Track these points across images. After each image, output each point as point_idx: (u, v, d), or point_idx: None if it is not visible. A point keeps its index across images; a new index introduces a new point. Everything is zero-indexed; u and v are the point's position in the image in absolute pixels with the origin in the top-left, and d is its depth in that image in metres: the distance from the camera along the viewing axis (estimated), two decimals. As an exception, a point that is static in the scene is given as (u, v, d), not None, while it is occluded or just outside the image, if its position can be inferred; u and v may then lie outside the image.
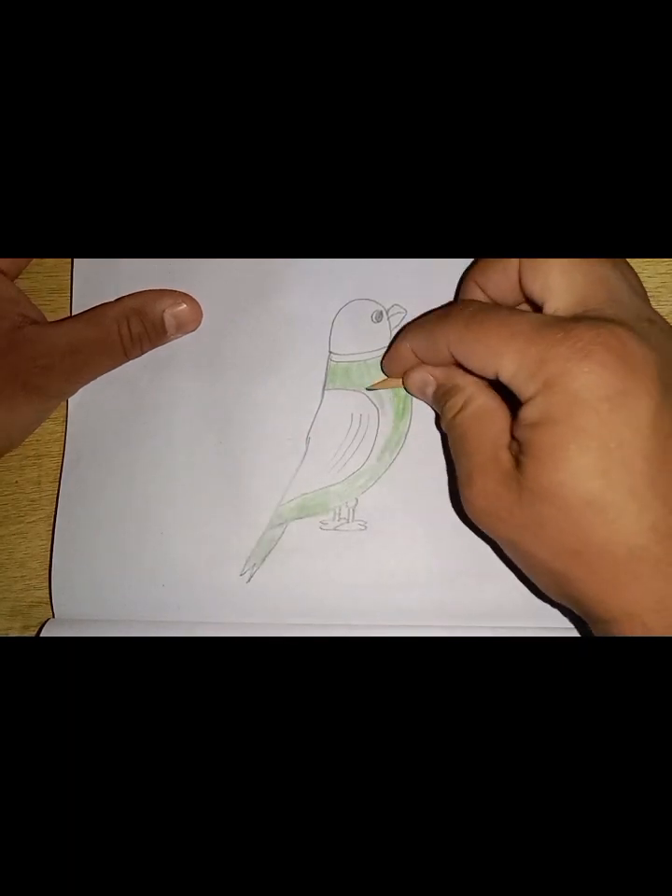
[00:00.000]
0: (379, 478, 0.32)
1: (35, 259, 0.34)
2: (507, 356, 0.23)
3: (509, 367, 0.23)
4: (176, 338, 0.33)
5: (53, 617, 0.33)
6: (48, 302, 0.34)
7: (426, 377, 0.28)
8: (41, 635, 0.32)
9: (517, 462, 0.23)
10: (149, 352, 0.33)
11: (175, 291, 0.33)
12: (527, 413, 0.23)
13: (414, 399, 0.32)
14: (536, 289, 0.24)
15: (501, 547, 0.26)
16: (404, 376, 0.29)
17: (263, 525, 0.32)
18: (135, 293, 0.32)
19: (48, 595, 0.33)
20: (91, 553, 0.33)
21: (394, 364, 0.30)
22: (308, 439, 0.32)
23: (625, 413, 0.21)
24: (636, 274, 0.26)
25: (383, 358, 0.31)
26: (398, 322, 0.32)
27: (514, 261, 0.25)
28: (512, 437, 0.24)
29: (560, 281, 0.23)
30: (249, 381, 0.33)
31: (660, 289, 0.33)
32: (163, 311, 0.32)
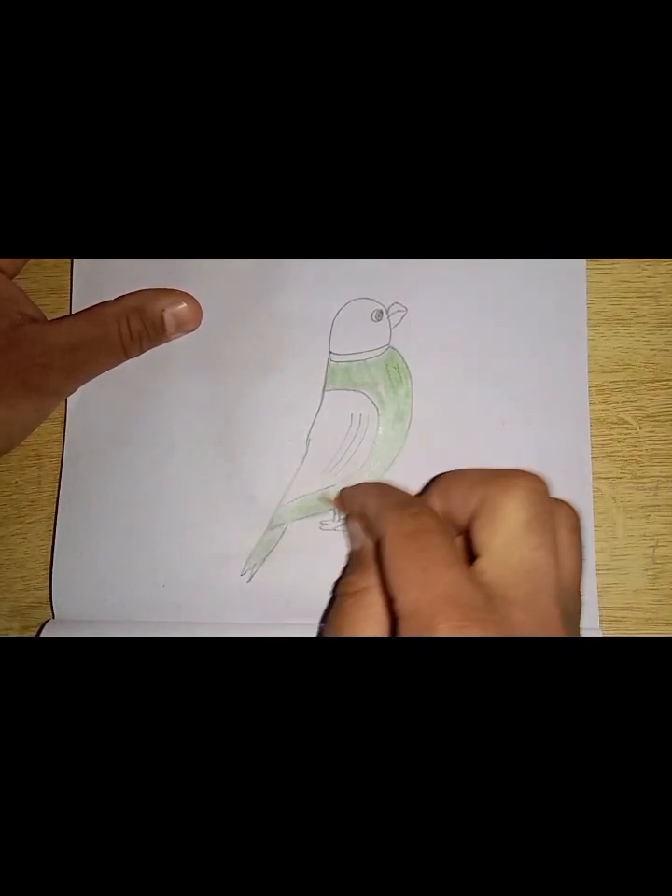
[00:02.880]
0: (379, 478, 0.32)
1: (34, 259, 0.34)
2: (408, 593, 0.22)
3: (404, 604, 0.23)
4: (176, 337, 0.33)
5: (53, 617, 0.33)
6: (47, 302, 0.34)
7: (357, 533, 0.28)
8: (41, 635, 0.32)
9: None
10: (149, 352, 0.33)
11: (175, 290, 0.33)
12: None
13: (414, 399, 0.32)
14: (478, 539, 0.24)
15: None
16: (347, 517, 0.30)
17: (263, 525, 0.32)
18: (135, 292, 0.32)
19: (48, 595, 0.33)
20: (91, 553, 0.33)
21: (344, 502, 0.31)
22: (308, 439, 0.32)
23: None
24: (579, 552, 0.25)
25: (343, 491, 0.31)
26: (397, 320, 0.32)
27: (476, 498, 0.25)
28: None
29: (499, 551, 0.23)
30: (249, 381, 0.33)
31: (660, 289, 0.33)
32: (163, 310, 0.32)
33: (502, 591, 0.23)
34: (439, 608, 0.22)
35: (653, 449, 0.32)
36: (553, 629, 0.23)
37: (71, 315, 0.34)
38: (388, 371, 0.32)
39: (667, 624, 0.31)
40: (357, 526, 0.28)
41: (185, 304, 0.32)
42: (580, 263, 0.32)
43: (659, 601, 0.31)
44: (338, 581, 0.31)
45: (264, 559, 0.32)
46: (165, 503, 0.33)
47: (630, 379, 0.32)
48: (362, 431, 0.32)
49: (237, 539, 0.32)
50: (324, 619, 0.31)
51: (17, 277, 0.33)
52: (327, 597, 0.31)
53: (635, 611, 0.31)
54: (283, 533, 0.32)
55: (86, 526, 0.33)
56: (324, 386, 0.33)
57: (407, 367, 0.32)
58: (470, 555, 0.24)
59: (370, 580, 0.26)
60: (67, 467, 0.33)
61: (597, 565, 0.31)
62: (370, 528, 0.27)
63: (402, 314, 0.33)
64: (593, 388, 0.32)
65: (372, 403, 0.32)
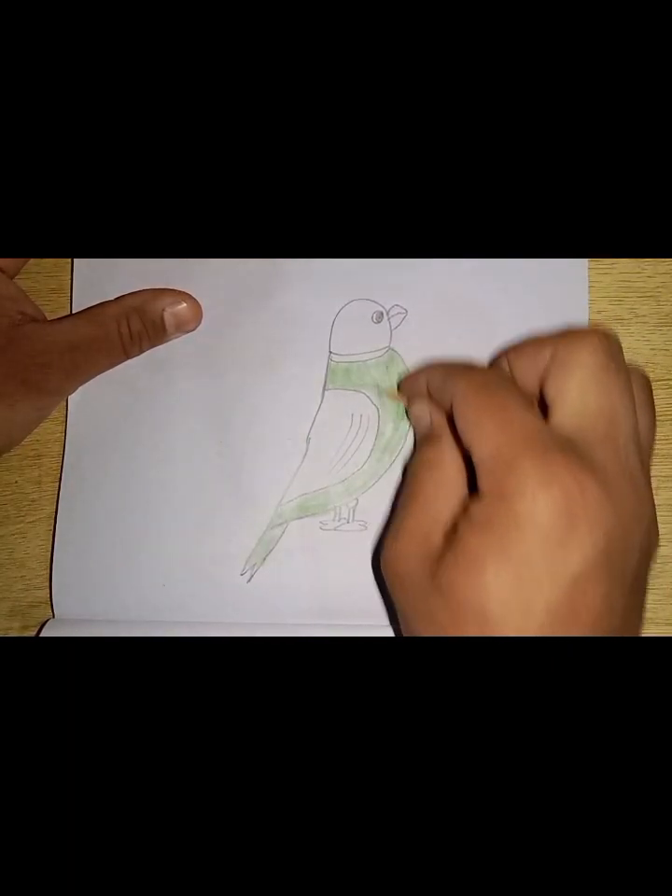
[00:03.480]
0: (379, 478, 0.32)
1: (34, 259, 0.34)
2: (486, 439, 0.23)
3: (482, 450, 0.23)
4: (176, 337, 0.33)
5: (53, 617, 0.33)
6: (47, 302, 0.34)
7: (423, 413, 0.28)
8: (41, 635, 0.32)
9: (443, 548, 0.23)
10: (149, 352, 0.33)
11: (175, 290, 0.33)
12: (474, 509, 0.23)
13: (415, 399, 0.32)
14: (551, 392, 0.24)
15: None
16: (408, 401, 0.30)
17: (263, 524, 0.32)
18: (135, 292, 0.32)
19: (48, 595, 0.33)
20: (91, 553, 0.33)
21: (407, 387, 0.31)
22: (308, 439, 0.32)
23: (553, 560, 0.21)
24: (652, 412, 0.25)
25: (403, 378, 0.31)
26: (398, 322, 0.32)
27: (546, 354, 0.24)
28: (454, 522, 0.24)
29: (574, 398, 0.23)
30: (249, 381, 0.33)
31: (660, 289, 0.33)
32: (163, 309, 0.32)
33: (580, 435, 0.22)
34: (519, 447, 0.22)
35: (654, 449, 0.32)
36: (631, 469, 0.23)
37: (71, 314, 0.34)
38: (388, 372, 0.32)
39: (667, 624, 0.31)
40: (421, 406, 0.28)
41: (185, 304, 0.32)
42: (580, 263, 0.32)
43: (659, 601, 0.31)
44: (408, 462, 0.31)
45: (264, 559, 0.32)
46: (165, 503, 0.33)
47: (630, 379, 0.32)
48: (362, 431, 0.32)
49: (237, 539, 0.32)
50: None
51: (17, 277, 0.33)
52: (327, 597, 0.31)
53: (635, 611, 0.31)
54: (283, 533, 0.32)
55: (86, 526, 0.33)
56: (324, 386, 0.33)
57: (407, 368, 0.32)
58: (543, 411, 0.24)
59: (443, 450, 0.26)
60: (67, 467, 0.33)
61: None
62: (438, 396, 0.27)
63: (402, 316, 0.33)
64: (593, 388, 0.32)
65: (373, 403, 0.32)
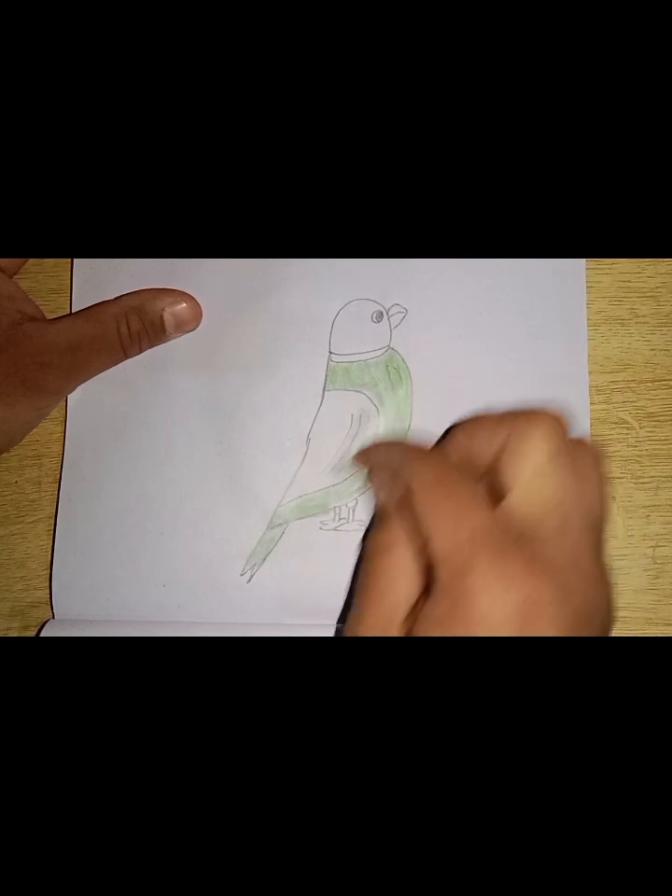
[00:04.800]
0: (379, 478, 0.32)
1: (34, 259, 0.34)
2: (444, 535, 0.23)
3: (439, 545, 0.23)
4: (176, 337, 0.33)
5: (53, 617, 0.33)
6: (47, 302, 0.34)
7: (381, 486, 0.28)
8: (41, 635, 0.32)
9: None
10: (149, 352, 0.33)
11: (175, 290, 0.33)
12: (431, 606, 0.22)
13: (415, 399, 0.32)
14: (506, 476, 0.24)
15: None
16: (368, 470, 0.30)
17: (263, 525, 0.32)
18: (135, 291, 0.32)
19: (48, 595, 0.33)
20: (91, 553, 0.33)
21: (364, 459, 0.31)
22: (308, 439, 0.32)
23: None
24: (603, 486, 0.25)
25: (358, 452, 0.31)
26: (398, 321, 0.33)
27: (503, 432, 0.25)
28: (412, 610, 0.24)
29: (528, 486, 0.24)
30: (249, 381, 0.33)
31: (659, 289, 0.33)
32: (163, 309, 0.32)
33: (533, 525, 0.23)
34: (476, 546, 0.22)
35: (653, 449, 0.32)
36: (585, 560, 0.23)
37: (70, 313, 0.34)
38: (388, 371, 0.32)
39: (667, 624, 0.31)
40: (380, 480, 0.28)
41: (185, 304, 0.32)
42: (580, 263, 0.32)
43: (659, 601, 0.31)
44: (364, 539, 0.31)
45: (264, 559, 0.32)
46: (165, 503, 0.33)
47: (630, 379, 0.32)
48: (362, 431, 0.32)
49: (237, 538, 0.32)
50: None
51: (17, 277, 0.33)
52: (327, 597, 0.31)
53: (635, 611, 0.31)
54: (283, 533, 0.32)
55: (86, 526, 0.33)
56: (324, 386, 0.33)
57: (407, 367, 0.32)
58: (496, 495, 0.24)
59: (397, 533, 0.25)
60: (67, 467, 0.33)
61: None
62: (394, 478, 0.27)
63: (402, 315, 0.33)
64: (593, 388, 0.32)
65: (372, 403, 0.32)
